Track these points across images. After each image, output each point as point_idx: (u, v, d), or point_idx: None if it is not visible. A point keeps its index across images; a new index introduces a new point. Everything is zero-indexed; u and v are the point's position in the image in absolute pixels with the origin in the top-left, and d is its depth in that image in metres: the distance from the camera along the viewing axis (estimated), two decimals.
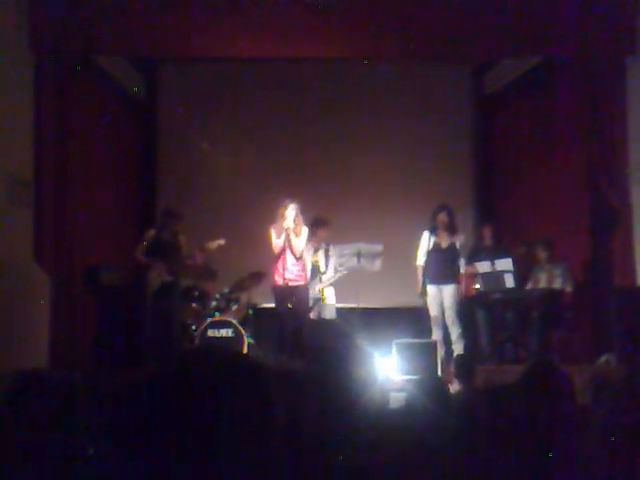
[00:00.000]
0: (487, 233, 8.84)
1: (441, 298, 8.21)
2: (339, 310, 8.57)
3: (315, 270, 8.48)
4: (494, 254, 8.40)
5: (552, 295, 8.13)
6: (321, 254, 8.51)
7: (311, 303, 8.34)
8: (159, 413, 1.55)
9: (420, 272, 8.27)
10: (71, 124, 7.99)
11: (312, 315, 8.37)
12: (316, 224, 8.42)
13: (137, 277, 9.02)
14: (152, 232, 8.43)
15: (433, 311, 8.22)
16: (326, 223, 8.48)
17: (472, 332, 8.46)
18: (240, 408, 1.59)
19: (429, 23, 7.85)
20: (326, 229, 8.47)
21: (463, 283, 8.31)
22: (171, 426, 1.53)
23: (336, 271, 8.45)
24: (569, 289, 8.18)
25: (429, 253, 8.23)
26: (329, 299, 8.51)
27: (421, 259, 8.30)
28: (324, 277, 8.48)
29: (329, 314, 8.45)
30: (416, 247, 8.38)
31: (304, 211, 8.17)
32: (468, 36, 7.84)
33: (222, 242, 8.32)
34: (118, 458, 1.62)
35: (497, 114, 10.64)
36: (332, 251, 8.55)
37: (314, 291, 8.39)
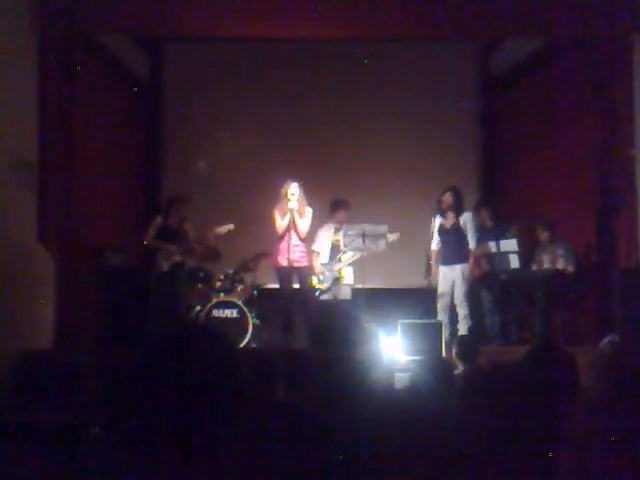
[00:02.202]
0: (485, 215, 8.83)
1: (453, 278, 8.22)
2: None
3: (336, 250, 8.48)
4: (498, 235, 8.39)
5: (556, 276, 8.12)
6: (342, 234, 8.48)
7: (329, 283, 8.35)
8: (150, 390, 1.55)
9: (434, 256, 8.31)
10: (75, 105, 7.97)
11: (328, 295, 8.37)
12: (335, 205, 8.46)
13: (142, 259, 9.04)
14: (159, 220, 8.49)
15: (442, 289, 8.23)
16: (345, 204, 8.49)
17: (477, 313, 8.46)
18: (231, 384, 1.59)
19: (433, 3, 7.80)
20: (345, 210, 8.47)
21: (470, 262, 8.30)
22: (162, 404, 1.53)
23: (354, 251, 8.40)
24: (570, 269, 8.17)
25: (438, 235, 8.29)
26: (346, 279, 8.49)
27: (433, 243, 8.35)
28: (344, 257, 8.45)
29: (344, 294, 8.44)
30: (428, 230, 8.40)
31: (309, 192, 8.17)
32: (472, 16, 7.79)
33: (232, 227, 8.37)
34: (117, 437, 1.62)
35: (502, 94, 10.58)
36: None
37: (333, 270, 8.40)
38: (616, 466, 2.37)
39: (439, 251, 8.35)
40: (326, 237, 8.52)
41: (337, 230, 8.50)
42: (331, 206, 8.51)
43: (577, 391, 2.89)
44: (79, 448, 2.10)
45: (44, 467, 2.09)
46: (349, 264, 8.45)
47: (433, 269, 8.30)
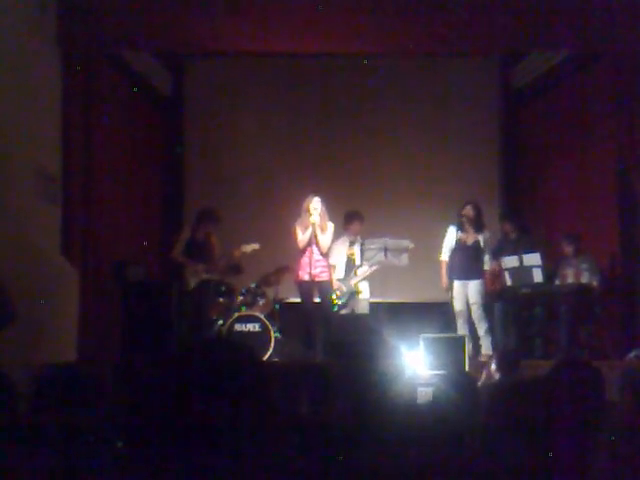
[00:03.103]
0: (508, 228, 8.79)
1: (466, 294, 8.17)
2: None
3: (350, 264, 8.45)
4: (521, 248, 8.34)
5: (581, 290, 8.05)
6: (357, 248, 8.46)
7: (346, 297, 8.33)
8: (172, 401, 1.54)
9: (444, 267, 8.26)
10: (98, 120, 8.03)
11: (346, 309, 8.34)
12: (349, 217, 8.43)
13: (164, 272, 9.07)
14: (187, 232, 8.53)
15: (458, 307, 8.18)
16: (359, 216, 8.46)
17: (498, 328, 8.41)
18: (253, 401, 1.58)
19: (456, 17, 7.79)
20: (359, 222, 8.44)
21: (487, 279, 8.26)
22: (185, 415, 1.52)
23: (371, 265, 8.39)
24: (595, 283, 8.10)
25: (454, 249, 8.22)
26: (363, 293, 8.46)
27: (445, 254, 8.29)
28: (359, 271, 8.43)
29: (362, 309, 8.41)
30: (442, 241, 8.36)
31: (331, 206, 8.16)
32: (495, 29, 7.78)
33: (257, 247, 8.39)
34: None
35: (525, 107, 10.55)
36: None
37: (349, 285, 8.37)
38: None
39: (450, 264, 8.27)
40: (341, 251, 8.48)
41: (352, 243, 8.48)
42: (345, 218, 8.45)
43: (603, 406, 2.85)
44: (88, 451, 2.09)
45: (53, 469, 2.09)
46: (364, 278, 8.42)
47: (444, 280, 8.25)
